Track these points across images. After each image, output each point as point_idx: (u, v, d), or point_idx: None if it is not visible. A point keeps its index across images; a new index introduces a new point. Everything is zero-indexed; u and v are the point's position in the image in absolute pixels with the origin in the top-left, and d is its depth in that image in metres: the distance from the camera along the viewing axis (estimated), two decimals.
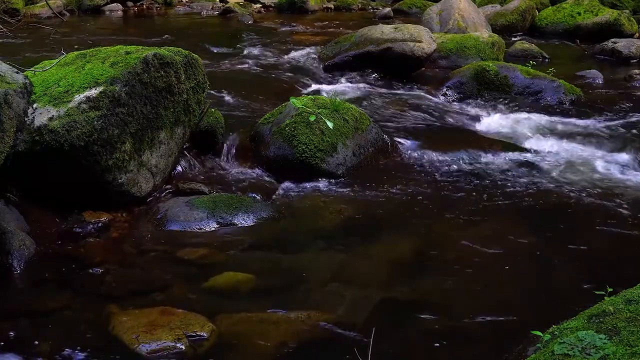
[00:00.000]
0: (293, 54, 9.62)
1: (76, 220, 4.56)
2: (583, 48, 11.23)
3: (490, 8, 12.68)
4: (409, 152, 6.10)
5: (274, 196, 5.22)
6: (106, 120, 4.52)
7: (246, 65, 8.91)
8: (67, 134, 4.39)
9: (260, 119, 6.06)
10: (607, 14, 11.93)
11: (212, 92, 6.43)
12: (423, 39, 8.37)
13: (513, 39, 11.50)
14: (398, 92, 8.01)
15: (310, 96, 6.42)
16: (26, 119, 4.44)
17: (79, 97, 4.53)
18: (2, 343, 3.30)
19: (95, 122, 4.47)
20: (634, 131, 6.70)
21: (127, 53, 4.87)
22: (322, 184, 5.38)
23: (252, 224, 4.69)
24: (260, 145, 5.78)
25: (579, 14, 12.14)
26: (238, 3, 15.03)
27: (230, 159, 5.78)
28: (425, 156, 6.01)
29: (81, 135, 4.41)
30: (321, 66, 8.78)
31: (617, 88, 8.68)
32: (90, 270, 4.04)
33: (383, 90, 8.02)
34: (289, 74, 8.50)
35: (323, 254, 4.41)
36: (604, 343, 2.45)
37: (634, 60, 10.28)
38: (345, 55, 8.62)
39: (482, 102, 7.69)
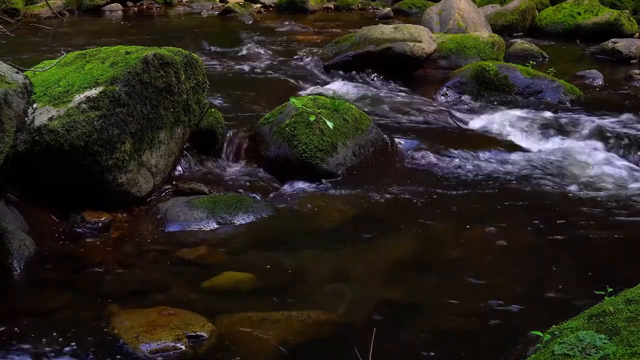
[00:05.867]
0: (293, 54, 9.62)
1: (76, 220, 4.56)
2: (583, 48, 11.23)
3: (490, 8, 12.68)
4: (409, 152, 6.10)
5: (273, 196, 5.22)
6: (106, 120, 4.52)
7: (246, 65, 8.91)
8: (67, 134, 4.39)
9: (260, 119, 6.05)
10: (607, 14, 11.93)
11: (212, 92, 6.43)
12: (423, 39, 8.36)
13: (513, 39, 11.49)
14: (398, 92, 8.00)
15: (310, 96, 6.41)
16: (26, 119, 4.45)
17: (79, 97, 4.53)
18: (3, 343, 3.30)
19: (95, 122, 4.47)
20: (634, 131, 6.70)
21: (127, 53, 4.86)
22: (322, 184, 5.38)
23: (252, 223, 4.69)
24: (260, 145, 5.78)
25: (579, 14, 12.14)
26: (238, 3, 15.03)
27: (230, 159, 5.78)
28: (425, 156, 6.01)
29: (81, 135, 4.41)
30: (321, 66, 8.77)
31: (617, 88, 8.68)
32: (90, 270, 4.05)
33: (383, 90, 8.02)
34: (289, 74, 8.50)
35: (323, 254, 4.41)
36: (604, 343, 2.45)
37: (634, 60, 10.28)
38: (345, 55, 8.61)
39: (482, 102, 7.68)
